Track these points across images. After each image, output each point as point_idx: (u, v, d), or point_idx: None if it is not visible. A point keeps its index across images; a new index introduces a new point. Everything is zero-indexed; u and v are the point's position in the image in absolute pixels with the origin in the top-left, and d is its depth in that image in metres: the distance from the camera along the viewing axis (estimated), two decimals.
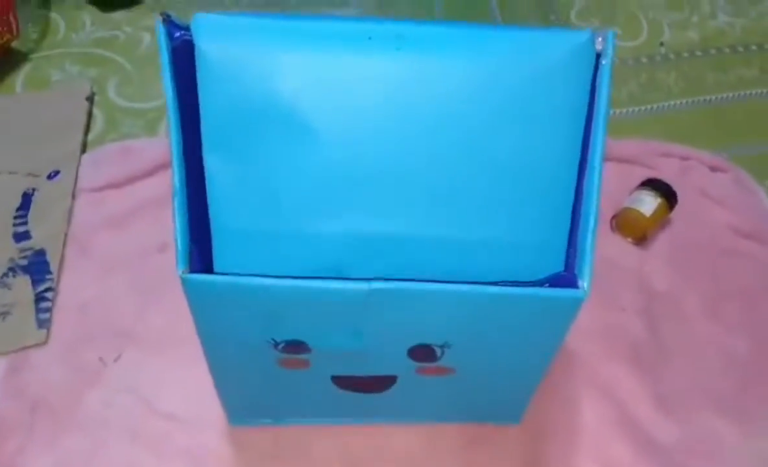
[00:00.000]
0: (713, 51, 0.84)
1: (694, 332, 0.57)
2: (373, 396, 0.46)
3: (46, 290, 0.56)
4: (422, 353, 0.41)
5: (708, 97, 0.78)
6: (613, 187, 0.65)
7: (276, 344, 0.40)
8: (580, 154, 0.37)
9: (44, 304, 0.55)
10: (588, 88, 0.36)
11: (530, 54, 0.35)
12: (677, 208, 0.64)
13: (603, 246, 0.63)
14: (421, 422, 0.50)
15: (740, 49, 0.84)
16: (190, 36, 0.35)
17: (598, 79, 0.36)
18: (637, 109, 0.77)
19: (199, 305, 0.37)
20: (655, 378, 0.54)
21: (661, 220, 0.63)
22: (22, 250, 0.58)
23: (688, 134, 0.73)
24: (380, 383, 0.45)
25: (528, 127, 0.36)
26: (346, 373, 0.43)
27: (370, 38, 0.35)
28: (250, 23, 0.35)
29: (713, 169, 0.69)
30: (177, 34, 0.35)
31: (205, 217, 0.37)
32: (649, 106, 0.77)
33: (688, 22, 0.88)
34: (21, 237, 0.59)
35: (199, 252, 0.36)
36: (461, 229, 0.37)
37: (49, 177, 0.64)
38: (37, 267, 0.57)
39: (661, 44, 0.85)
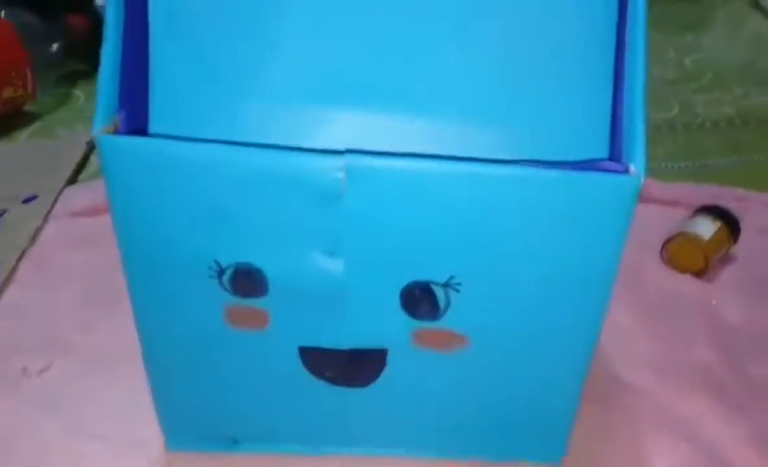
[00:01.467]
0: (754, 121, 0.78)
1: None
2: (357, 404, 0.34)
3: None
4: (420, 298, 0.30)
5: (755, 158, 0.71)
6: (658, 230, 0.55)
7: (221, 271, 0.29)
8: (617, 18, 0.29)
9: None
10: None
11: None
12: (738, 245, 0.53)
13: (657, 279, 0.52)
14: (421, 456, 0.36)
15: None
16: None
17: None
18: (677, 165, 0.69)
19: (120, 189, 0.28)
20: (750, 419, 0.40)
21: (722, 247, 0.52)
22: None
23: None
24: (365, 366, 0.33)
25: None
26: (319, 343, 0.32)
27: None
28: None
29: None
30: None
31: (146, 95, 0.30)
32: (690, 162, 0.70)
33: (721, 100, 0.84)
34: None
35: (130, 124, 0.28)
36: (471, 110, 0.29)
37: (25, 201, 0.58)
38: None
39: (697, 116, 0.79)
